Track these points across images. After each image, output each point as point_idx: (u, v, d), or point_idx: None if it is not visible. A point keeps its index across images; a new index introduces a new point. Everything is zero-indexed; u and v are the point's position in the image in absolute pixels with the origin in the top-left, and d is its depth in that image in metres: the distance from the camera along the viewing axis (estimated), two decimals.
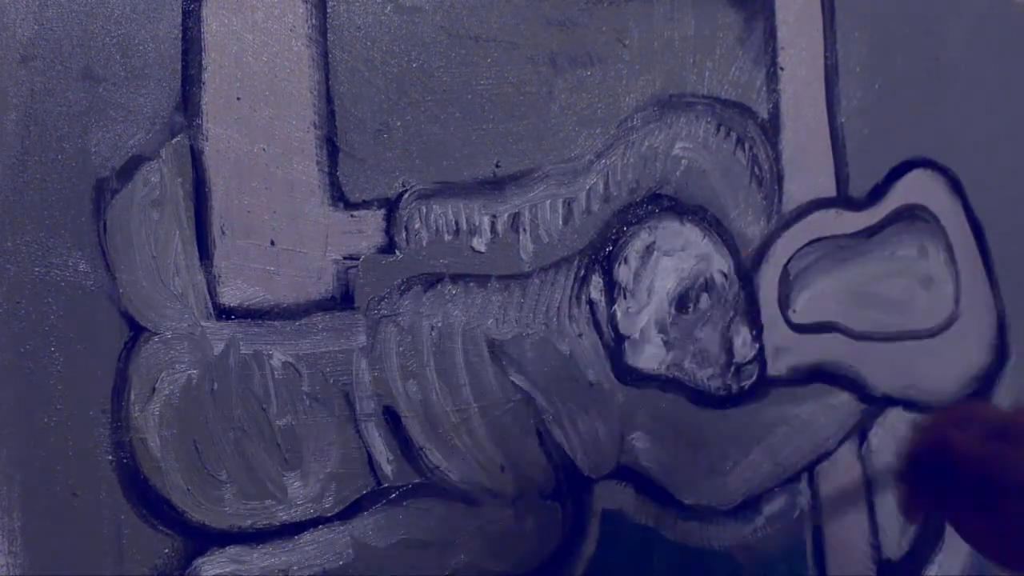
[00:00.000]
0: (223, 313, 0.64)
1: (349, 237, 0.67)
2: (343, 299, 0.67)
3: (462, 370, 0.71)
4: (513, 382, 0.72)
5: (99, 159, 0.60)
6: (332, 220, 0.67)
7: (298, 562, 0.65)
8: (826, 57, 0.84)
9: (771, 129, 0.81)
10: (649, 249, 0.77)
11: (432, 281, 0.70)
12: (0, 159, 0.58)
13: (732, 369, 0.80)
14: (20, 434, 0.58)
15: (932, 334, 0.87)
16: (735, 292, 0.80)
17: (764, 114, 0.81)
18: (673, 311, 0.78)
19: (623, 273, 0.76)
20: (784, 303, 0.82)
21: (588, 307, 0.75)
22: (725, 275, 0.79)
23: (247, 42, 0.64)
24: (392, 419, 0.68)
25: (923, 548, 0.89)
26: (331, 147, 0.67)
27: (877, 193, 0.86)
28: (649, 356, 0.77)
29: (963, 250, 0.88)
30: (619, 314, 0.76)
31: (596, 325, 0.75)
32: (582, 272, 0.74)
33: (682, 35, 0.78)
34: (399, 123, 0.69)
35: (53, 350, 0.59)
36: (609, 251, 0.75)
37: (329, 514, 0.66)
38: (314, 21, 0.66)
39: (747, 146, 0.80)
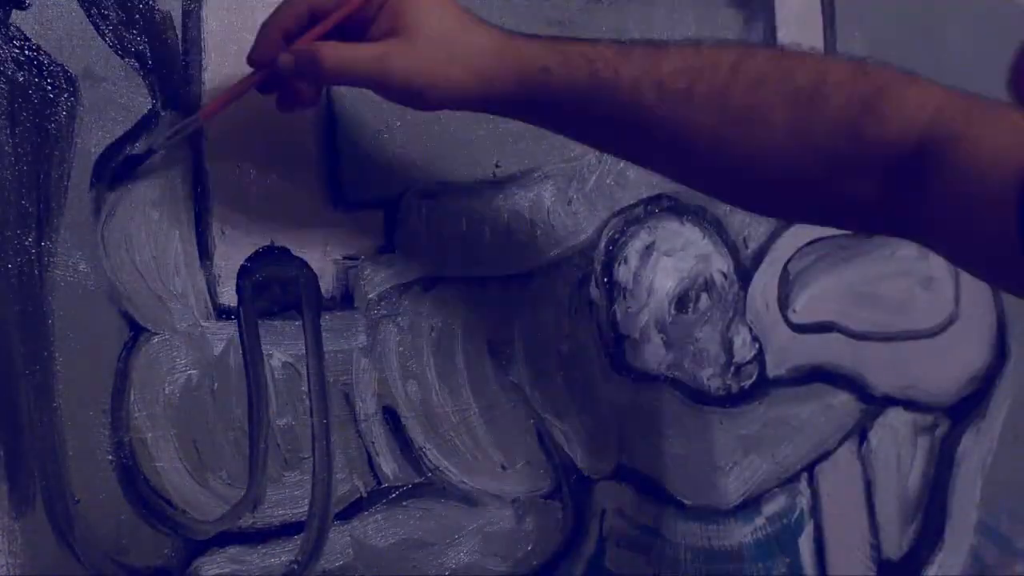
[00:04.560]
0: (223, 313, 0.64)
1: (349, 237, 0.67)
2: (343, 299, 0.67)
3: (462, 370, 0.71)
4: (513, 382, 0.72)
5: (99, 159, 0.60)
6: (332, 220, 0.67)
7: (298, 562, 0.65)
8: None
9: None
10: (649, 249, 0.77)
11: (432, 281, 0.70)
12: None
13: (732, 369, 0.80)
14: (20, 434, 0.58)
15: (932, 334, 0.87)
16: (735, 292, 0.80)
17: None
18: (673, 311, 0.78)
19: (623, 273, 0.76)
20: (784, 303, 0.82)
21: (588, 307, 0.75)
22: (725, 275, 0.79)
23: (247, 42, 0.64)
24: (392, 419, 0.68)
25: (923, 548, 0.89)
26: (331, 147, 0.66)
27: None
28: (649, 356, 0.77)
29: None
30: (619, 314, 0.76)
31: (596, 325, 0.75)
32: (582, 272, 0.74)
33: (682, 35, 0.78)
34: (399, 123, 0.69)
35: (53, 350, 0.59)
36: (609, 251, 0.75)
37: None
38: None
39: None
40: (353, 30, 0.56)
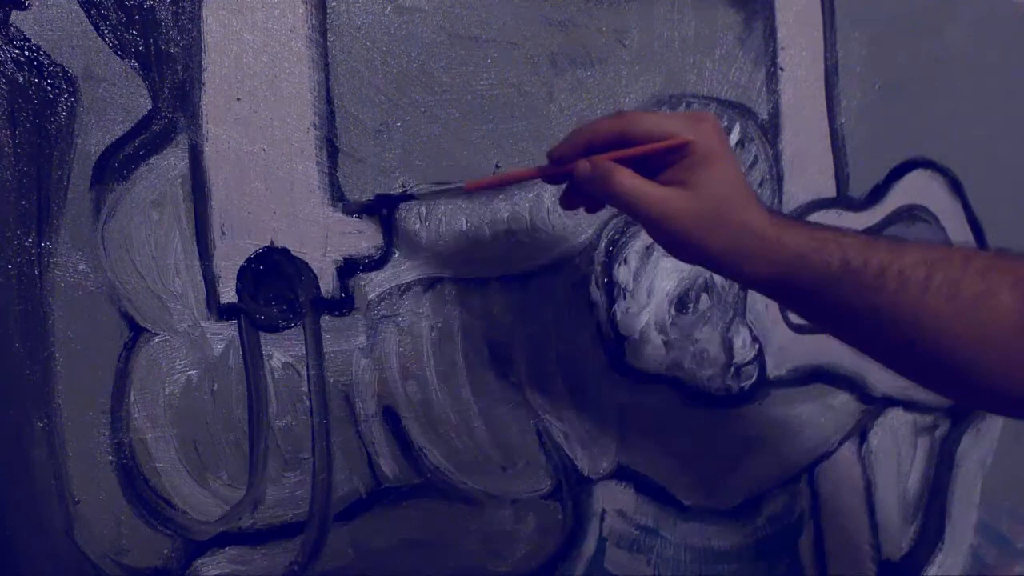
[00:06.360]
0: (223, 313, 0.64)
1: (349, 237, 0.67)
2: (343, 299, 0.67)
3: (462, 370, 0.71)
4: (513, 382, 0.72)
5: (99, 159, 0.60)
6: (332, 220, 0.67)
7: (298, 562, 0.65)
8: (826, 57, 0.84)
9: (771, 129, 0.81)
10: (649, 249, 0.77)
11: (432, 281, 0.70)
12: None
13: (732, 369, 0.80)
14: (20, 435, 0.58)
15: None
16: (735, 292, 0.80)
17: (764, 114, 0.81)
18: (673, 311, 0.78)
19: (623, 273, 0.76)
20: None
21: (588, 307, 0.75)
22: None
23: (247, 42, 0.64)
24: (392, 419, 0.68)
25: (923, 548, 0.89)
26: (331, 147, 0.67)
27: (877, 193, 0.86)
28: (649, 356, 0.77)
29: None
30: (619, 314, 0.76)
31: (596, 325, 0.75)
32: (582, 273, 0.74)
33: (682, 35, 0.78)
34: (399, 123, 0.69)
35: (53, 350, 0.59)
36: (609, 251, 0.75)
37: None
38: (314, 21, 0.66)
39: (747, 146, 0.80)
40: (645, 165, 0.58)
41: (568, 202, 0.64)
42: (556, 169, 0.61)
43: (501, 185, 0.70)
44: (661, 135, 0.58)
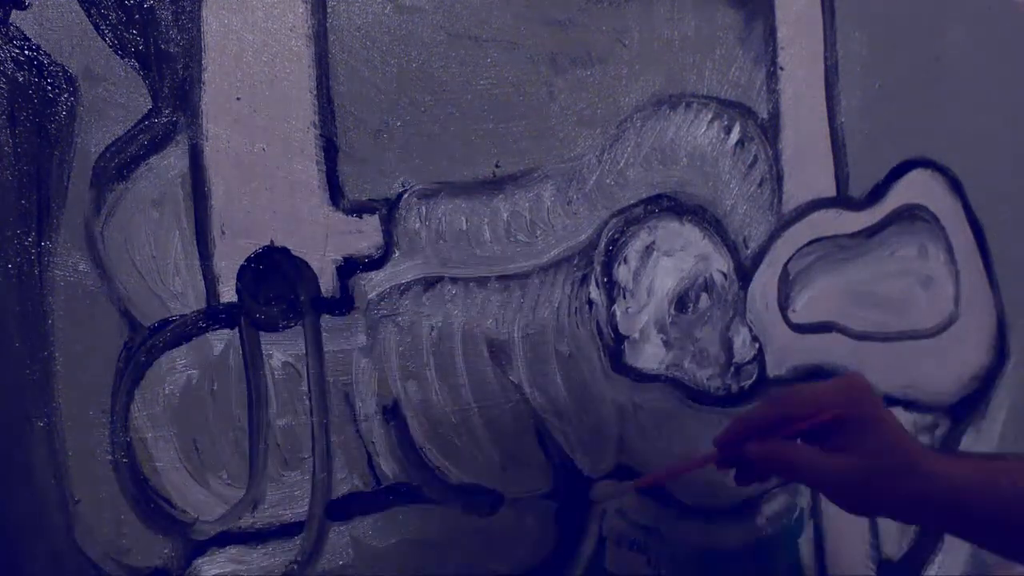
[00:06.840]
0: (223, 313, 0.64)
1: (349, 237, 0.67)
2: (343, 299, 0.67)
3: (462, 370, 0.71)
4: (513, 382, 0.72)
5: (99, 159, 0.60)
6: (332, 220, 0.67)
7: (298, 562, 0.65)
8: (826, 57, 0.84)
9: (771, 129, 0.81)
10: (649, 249, 0.77)
11: (432, 281, 0.70)
12: None
13: (732, 369, 0.80)
14: (20, 435, 0.58)
15: (932, 334, 0.87)
16: (735, 292, 0.80)
17: (764, 114, 0.81)
18: (673, 311, 0.78)
19: (623, 273, 0.76)
20: (784, 303, 0.82)
21: (588, 307, 0.75)
22: (725, 275, 0.79)
23: (247, 42, 0.64)
24: (392, 419, 0.68)
25: (923, 548, 0.89)
26: (331, 147, 0.67)
27: (877, 193, 0.86)
28: (649, 356, 0.77)
29: (963, 250, 0.88)
30: (619, 314, 0.76)
31: (596, 325, 0.75)
32: (582, 272, 0.75)
33: (682, 35, 0.78)
34: (399, 123, 0.69)
35: (53, 350, 0.59)
36: (609, 251, 0.75)
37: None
38: (314, 21, 0.66)
39: (747, 146, 0.80)
40: (812, 435, 0.62)
41: (742, 480, 0.67)
42: (729, 454, 0.65)
43: (670, 478, 0.76)
44: (816, 409, 0.61)
